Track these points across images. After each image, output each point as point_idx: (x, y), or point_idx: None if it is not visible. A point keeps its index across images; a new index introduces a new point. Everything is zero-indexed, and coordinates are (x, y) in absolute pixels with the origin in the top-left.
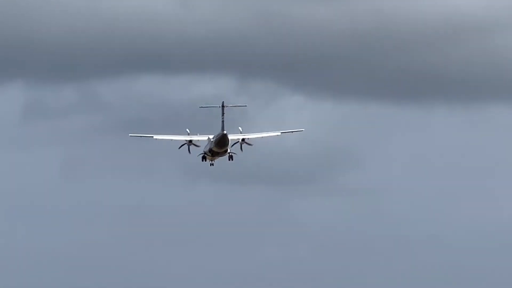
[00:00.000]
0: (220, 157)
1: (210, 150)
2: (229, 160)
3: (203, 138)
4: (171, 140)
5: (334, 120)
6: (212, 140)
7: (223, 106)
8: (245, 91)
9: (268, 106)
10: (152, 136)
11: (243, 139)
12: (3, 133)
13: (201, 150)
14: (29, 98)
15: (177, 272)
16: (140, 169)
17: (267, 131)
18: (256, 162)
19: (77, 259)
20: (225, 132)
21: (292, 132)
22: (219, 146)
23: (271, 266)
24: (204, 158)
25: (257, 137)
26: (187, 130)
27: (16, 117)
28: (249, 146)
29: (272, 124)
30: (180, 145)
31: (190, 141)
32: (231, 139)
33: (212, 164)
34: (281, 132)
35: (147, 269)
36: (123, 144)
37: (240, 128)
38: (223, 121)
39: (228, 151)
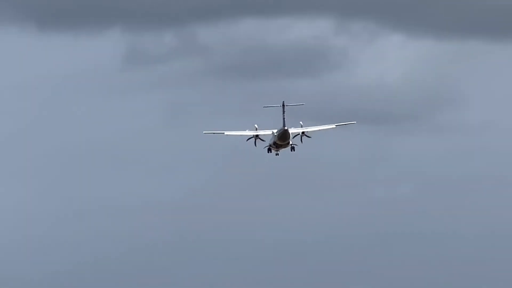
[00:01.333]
0: (283, 149)
1: (274, 143)
2: (291, 151)
3: (268, 133)
4: (241, 135)
5: (435, 58)
6: (275, 134)
7: (283, 105)
8: (344, 31)
9: (368, 45)
10: (223, 133)
11: (303, 132)
12: (104, 80)
13: (267, 143)
14: (129, 44)
15: (283, 219)
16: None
17: (324, 124)
18: (359, 101)
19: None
20: (286, 127)
21: (345, 124)
22: (282, 140)
23: (375, 205)
24: (269, 150)
25: (315, 130)
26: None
27: (116, 63)
28: (308, 138)
29: (373, 64)
30: (247, 138)
31: (257, 135)
32: (292, 133)
33: (277, 154)
34: (336, 125)
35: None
36: (223, 88)
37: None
38: (284, 118)
39: (290, 143)
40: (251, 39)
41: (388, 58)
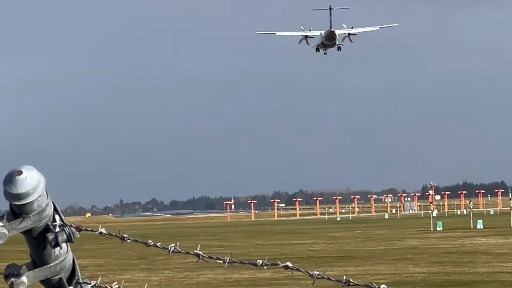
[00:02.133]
0: (330, 48)
1: (322, 43)
2: (338, 50)
3: (316, 34)
4: (292, 35)
5: None
6: (323, 35)
7: (330, 8)
8: None
9: None
10: (275, 33)
11: (349, 34)
12: None
13: (316, 42)
14: None
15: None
16: None
17: (368, 26)
18: None
19: None
20: (332, 29)
21: (389, 26)
22: (329, 40)
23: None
24: (317, 49)
25: (359, 31)
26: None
27: None
28: (354, 37)
29: None
30: (299, 40)
31: (306, 36)
32: (338, 34)
33: (326, 53)
34: (380, 27)
35: None
36: None
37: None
38: (331, 21)
39: (337, 43)
40: None
41: None
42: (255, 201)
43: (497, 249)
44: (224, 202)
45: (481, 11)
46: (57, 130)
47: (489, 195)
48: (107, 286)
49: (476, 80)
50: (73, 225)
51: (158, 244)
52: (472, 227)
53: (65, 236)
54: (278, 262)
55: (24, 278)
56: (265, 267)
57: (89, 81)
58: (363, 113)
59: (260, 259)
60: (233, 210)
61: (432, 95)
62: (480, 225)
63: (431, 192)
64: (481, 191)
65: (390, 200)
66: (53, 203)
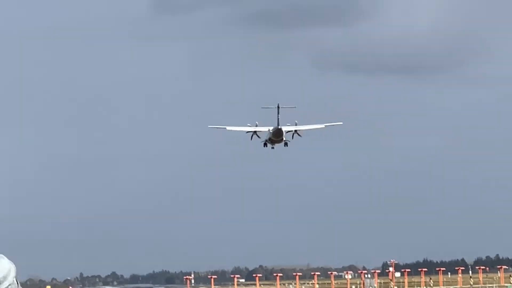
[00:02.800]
0: (277, 144)
1: (269, 139)
2: (285, 146)
3: (264, 129)
4: (241, 130)
5: (464, 7)
6: (270, 131)
7: (278, 107)
8: None
9: None
10: (225, 128)
11: (295, 131)
12: (130, 27)
13: (264, 137)
14: None
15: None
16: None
17: (313, 123)
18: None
19: None
20: (280, 127)
21: (333, 124)
22: (276, 136)
23: (402, 155)
24: (265, 144)
25: (305, 129)
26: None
27: (144, 11)
28: (299, 136)
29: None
30: (247, 131)
31: (255, 131)
32: (285, 131)
33: (273, 148)
34: (325, 125)
35: None
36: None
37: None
38: (278, 118)
39: (284, 139)
40: None
41: (418, 8)
42: (215, 276)
43: None
44: (184, 277)
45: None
46: (18, 199)
47: (449, 273)
48: None
49: (434, 156)
50: None
51: None
52: None
53: None
54: None
55: None
56: None
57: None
58: (321, 190)
59: None
60: (193, 285)
61: (390, 173)
62: None
63: (391, 269)
64: (442, 268)
65: (350, 276)
66: None
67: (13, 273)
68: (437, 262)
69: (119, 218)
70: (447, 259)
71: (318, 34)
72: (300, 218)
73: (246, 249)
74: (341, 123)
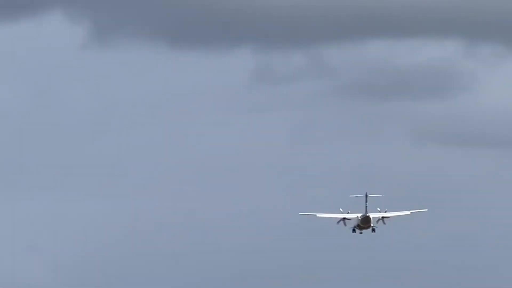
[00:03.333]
0: (366, 229)
1: (358, 225)
2: (372, 232)
3: (353, 216)
4: (331, 217)
5: None
6: (359, 218)
7: (366, 195)
8: (472, 54)
9: (497, 69)
10: (315, 215)
11: (382, 217)
12: (232, 98)
13: (352, 224)
14: (258, 63)
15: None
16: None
17: (400, 211)
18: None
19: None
20: (368, 214)
21: (419, 211)
22: (364, 223)
23: (499, 228)
24: (354, 230)
25: (392, 215)
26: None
27: (245, 81)
28: (386, 222)
29: (501, 88)
30: (337, 221)
31: (344, 218)
32: (372, 217)
33: (361, 233)
34: (411, 212)
35: None
36: (349, 110)
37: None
38: (366, 206)
39: (372, 226)
40: (379, 60)
41: None
42: None
43: None
44: None
45: None
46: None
47: None
48: None
49: None
50: None
51: None
52: None
53: None
54: None
55: None
56: None
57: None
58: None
59: None
60: None
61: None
62: None
63: None
64: None
65: None
66: None
67: None
68: None
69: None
70: None
71: (416, 108)
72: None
73: None
74: (426, 209)
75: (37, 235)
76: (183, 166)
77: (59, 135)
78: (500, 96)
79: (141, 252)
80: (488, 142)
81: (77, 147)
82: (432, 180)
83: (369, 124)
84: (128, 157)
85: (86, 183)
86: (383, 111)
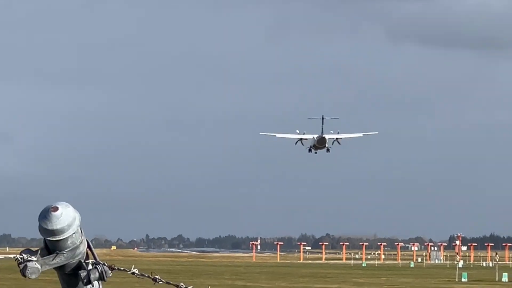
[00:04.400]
0: (320, 149)
1: (314, 145)
2: (327, 152)
3: (310, 137)
4: (289, 137)
5: None
6: (315, 139)
7: (323, 118)
8: None
9: None
10: (275, 135)
11: (336, 139)
12: None
13: (309, 144)
14: None
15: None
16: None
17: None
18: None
19: None
20: (323, 135)
21: (370, 134)
22: (319, 144)
23: (473, 129)
24: (310, 150)
25: (345, 137)
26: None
27: None
28: (339, 144)
29: None
30: (295, 142)
31: (301, 139)
32: (328, 139)
33: (316, 152)
34: (363, 134)
35: None
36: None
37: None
38: (322, 128)
39: (327, 146)
40: None
41: None
42: (282, 243)
43: None
44: (250, 242)
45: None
46: (87, 161)
47: None
48: None
49: (504, 132)
50: (106, 263)
51: (190, 287)
52: (497, 280)
53: (97, 274)
54: None
55: None
56: None
57: (120, 115)
58: (390, 164)
59: None
60: (259, 250)
61: (460, 145)
62: (505, 278)
63: (457, 242)
64: (508, 244)
65: (416, 248)
66: (87, 241)
67: (77, 221)
68: (503, 237)
69: (187, 182)
70: None
71: (394, 6)
72: (368, 190)
73: (314, 218)
74: (377, 132)
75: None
76: (149, 59)
77: None
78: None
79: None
80: (463, 42)
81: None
82: (407, 82)
83: (346, 22)
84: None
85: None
86: (361, 8)
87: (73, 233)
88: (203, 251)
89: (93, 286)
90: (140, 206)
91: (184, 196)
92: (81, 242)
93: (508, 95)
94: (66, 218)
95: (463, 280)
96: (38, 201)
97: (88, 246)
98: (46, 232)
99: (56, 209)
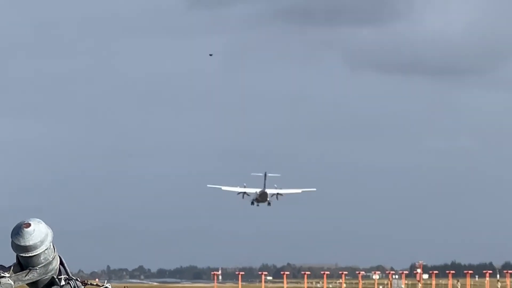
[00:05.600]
0: (262, 203)
1: (256, 199)
2: (268, 205)
3: (252, 191)
4: (234, 190)
5: (501, 10)
6: (257, 193)
7: (265, 174)
8: None
9: None
10: (221, 188)
11: (277, 193)
12: (168, 21)
13: (252, 197)
14: None
15: None
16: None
17: (292, 188)
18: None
19: None
20: (265, 190)
21: (308, 190)
22: (262, 198)
23: (433, 155)
24: (252, 203)
25: (285, 192)
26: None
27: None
28: (281, 196)
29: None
30: (241, 195)
31: (245, 192)
32: (269, 193)
33: (258, 205)
34: (302, 190)
35: None
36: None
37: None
38: (265, 183)
39: (268, 200)
40: None
41: (453, 10)
42: (243, 273)
43: None
44: (212, 273)
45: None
46: (44, 190)
47: (477, 276)
48: None
49: (466, 157)
50: (78, 279)
51: None
52: None
53: None
54: None
55: None
56: None
57: (75, 145)
58: (349, 191)
59: None
60: (220, 281)
61: (420, 172)
62: None
63: (419, 270)
64: (469, 271)
65: (378, 277)
66: (60, 257)
67: (50, 238)
68: (465, 265)
69: (147, 213)
70: (475, 262)
71: (352, 33)
72: (329, 218)
73: (275, 247)
74: (315, 189)
75: None
76: (110, 85)
77: None
78: (435, 23)
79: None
80: (421, 69)
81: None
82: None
83: (306, 50)
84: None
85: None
86: (320, 36)
87: (46, 249)
88: (164, 282)
89: None
90: (100, 236)
91: (143, 226)
92: (53, 258)
93: (466, 121)
94: (39, 234)
95: None
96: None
97: (61, 262)
98: (19, 248)
99: (28, 225)
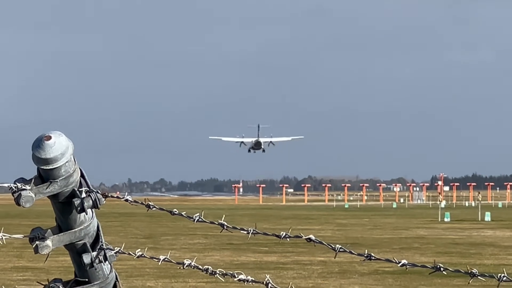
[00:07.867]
0: (257, 150)
1: (252, 147)
2: (262, 152)
3: (249, 140)
4: (232, 141)
5: None
6: (252, 142)
7: (258, 126)
8: None
9: None
10: (221, 139)
11: (270, 142)
12: None
13: (248, 146)
14: None
15: None
16: None
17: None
18: None
19: None
20: (259, 139)
21: (297, 138)
22: (256, 146)
23: (454, 67)
24: (249, 150)
25: (277, 140)
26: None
27: None
28: (273, 145)
29: None
30: (236, 141)
31: (242, 141)
32: (263, 142)
33: (255, 152)
34: (291, 138)
35: None
36: None
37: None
38: (258, 133)
39: (262, 147)
40: None
41: None
42: (264, 185)
43: (504, 241)
44: (233, 185)
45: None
46: (67, 104)
47: (498, 188)
48: (130, 253)
49: (487, 72)
50: (99, 191)
51: (183, 213)
52: (480, 219)
53: (91, 202)
54: (301, 234)
55: (48, 242)
56: (288, 239)
57: (98, 58)
58: (373, 104)
59: (268, 242)
60: (241, 193)
61: (442, 87)
62: (488, 217)
63: (440, 182)
64: (490, 183)
65: (398, 189)
66: (80, 169)
67: (71, 150)
68: (486, 177)
69: (169, 125)
70: (496, 174)
71: None
72: (351, 131)
73: (296, 159)
74: (303, 137)
75: None
76: None
77: None
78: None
79: None
80: None
81: None
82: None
83: None
84: None
85: None
86: None
87: (67, 162)
88: (186, 195)
89: (86, 213)
90: (121, 150)
91: (165, 139)
92: (74, 171)
93: (485, 33)
94: (60, 147)
95: (445, 220)
96: (21, 145)
97: (82, 175)
98: (40, 161)
99: (49, 138)
